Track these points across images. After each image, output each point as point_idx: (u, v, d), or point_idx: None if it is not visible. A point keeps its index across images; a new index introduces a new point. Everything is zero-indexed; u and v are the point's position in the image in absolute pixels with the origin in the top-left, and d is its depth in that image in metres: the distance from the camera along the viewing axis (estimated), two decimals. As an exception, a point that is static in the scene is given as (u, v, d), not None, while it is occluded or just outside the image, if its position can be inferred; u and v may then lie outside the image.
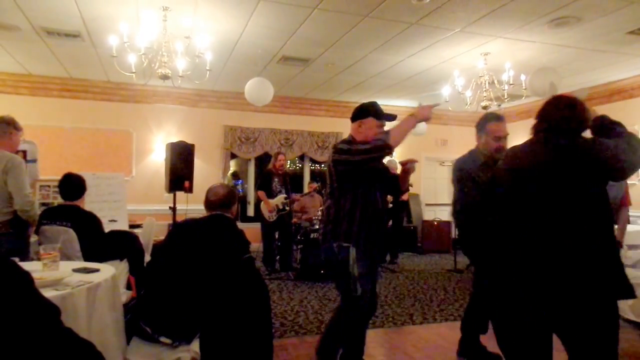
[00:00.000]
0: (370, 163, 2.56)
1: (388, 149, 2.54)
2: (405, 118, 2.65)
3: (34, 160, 4.36)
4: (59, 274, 2.16)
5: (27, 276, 1.19)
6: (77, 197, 3.37)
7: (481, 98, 5.98)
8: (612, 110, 7.71)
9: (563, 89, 7.10)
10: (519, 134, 10.31)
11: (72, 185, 3.36)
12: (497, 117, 2.81)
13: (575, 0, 4.27)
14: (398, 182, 2.88)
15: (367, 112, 2.70)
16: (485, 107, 5.99)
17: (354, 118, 2.75)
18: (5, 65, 6.58)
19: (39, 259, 2.59)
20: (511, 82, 5.62)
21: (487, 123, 2.79)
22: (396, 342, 3.44)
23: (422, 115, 2.62)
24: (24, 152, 4.12)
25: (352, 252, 2.54)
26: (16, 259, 1.62)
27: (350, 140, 2.69)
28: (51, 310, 1.19)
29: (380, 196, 2.71)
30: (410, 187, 7.25)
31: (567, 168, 1.76)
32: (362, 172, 2.59)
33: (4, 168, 3.02)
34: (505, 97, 5.85)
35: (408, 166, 2.76)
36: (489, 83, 5.90)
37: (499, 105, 6.14)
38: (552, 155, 1.80)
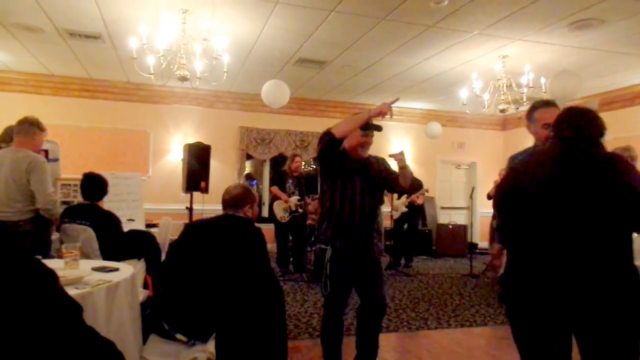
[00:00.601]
0: (322, 156, 2.65)
1: (327, 136, 2.57)
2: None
3: (56, 160, 4.45)
4: (80, 272, 2.20)
5: (52, 274, 1.22)
6: (99, 199, 3.44)
7: (499, 101, 5.92)
8: (635, 114, 7.56)
9: (583, 93, 6.97)
10: (537, 138, 9.83)
11: (95, 186, 3.43)
12: (546, 103, 2.54)
13: (598, 2, 4.21)
14: (394, 181, 2.80)
15: None
16: (502, 110, 5.93)
17: None
18: (28, 65, 6.75)
19: (59, 257, 2.65)
20: (531, 85, 5.55)
21: (534, 111, 2.53)
22: (410, 346, 3.42)
23: (378, 109, 2.55)
24: (46, 152, 4.21)
25: (328, 252, 2.67)
26: (39, 257, 1.66)
27: None
28: (74, 309, 1.21)
29: (362, 193, 2.70)
30: (426, 192, 7.23)
31: (580, 175, 1.75)
32: (328, 168, 2.73)
33: (27, 167, 3.09)
34: (524, 100, 5.77)
35: (396, 157, 2.70)
36: (507, 86, 5.83)
37: (517, 109, 6.06)
38: (566, 162, 1.80)
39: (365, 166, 2.77)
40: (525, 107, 6.65)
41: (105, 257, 3.14)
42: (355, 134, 2.67)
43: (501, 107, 5.87)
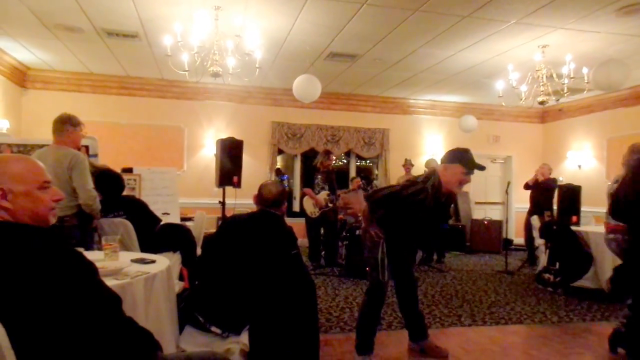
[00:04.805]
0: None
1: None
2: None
3: (95, 155, 4.61)
4: (119, 264, 2.28)
5: (92, 266, 1.27)
6: (118, 194, 3.62)
7: (538, 93, 5.71)
8: (687, 105, 7.09)
9: (632, 82, 6.64)
10: (579, 130, 9.77)
11: (114, 184, 3.61)
12: None
13: (647, -14, 3.99)
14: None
15: (456, 158, 2.79)
16: (542, 102, 5.72)
17: (442, 160, 2.89)
18: (70, 64, 7.03)
19: (99, 249, 2.75)
20: (572, 76, 5.32)
21: None
22: (443, 343, 3.37)
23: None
24: (87, 148, 4.36)
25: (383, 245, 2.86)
26: (81, 249, 1.73)
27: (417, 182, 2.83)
28: (115, 300, 1.26)
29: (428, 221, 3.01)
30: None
31: None
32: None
33: (68, 164, 3.20)
34: (565, 91, 5.54)
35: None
36: (546, 77, 5.62)
37: (557, 100, 5.83)
38: None
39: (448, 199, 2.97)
40: (566, 99, 6.43)
41: (143, 249, 3.25)
42: (457, 172, 2.76)
43: (540, 98, 5.66)
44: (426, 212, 2.82)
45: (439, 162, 7.13)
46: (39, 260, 1.13)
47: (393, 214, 2.87)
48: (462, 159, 2.77)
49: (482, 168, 2.80)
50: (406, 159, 7.88)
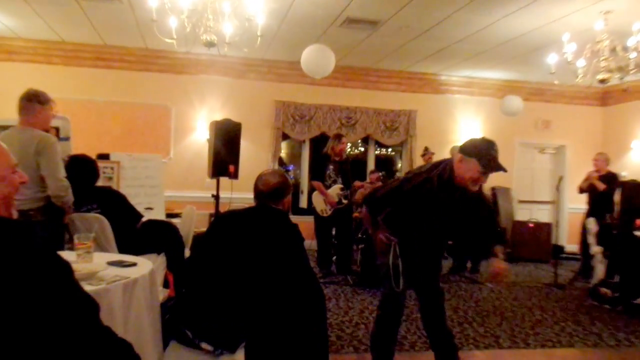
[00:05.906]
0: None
1: None
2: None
3: (67, 138, 4.68)
4: (93, 266, 2.32)
5: (67, 268, 1.30)
6: (92, 183, 3.68)
7: (598, 69, 5.64)
8: None
9: None
10: (648, 115, 9.35)
11: (87, 172, 3.68)
12: None
13: None
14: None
15: (474, 152, 2.68)
16: (603, 81, 5.65)
17: (460, 149, 2.79)
18: (37, 31, 7.10)
19: (69, 249, 2.80)
20: (641, 49, 5.25)
21: None
22: (477, 368, 3.39)
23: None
24: (57, 130, 4.42)
25: (396, 248, 2.90)
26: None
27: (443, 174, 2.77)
28: (91, 305, 1.29)
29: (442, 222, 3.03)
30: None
31: None
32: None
33: (35, 149, 3.22)
34: (632, 67, 5.47)
35: None
36: (609, 50, 5.54)
37: (622, 79, 5.76)
38: None
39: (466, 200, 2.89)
40: (632, 77, 6.33)
41: (122, 249, 3.30)
42: (473, 168, 2.66)
43: (601, 76, 5.59)
44: (437, 205, 2.80)
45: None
46: (11, 259, 1.16)
47: (400, 212, 2.89)
48: (481, 154, 2.65)
49: (502, 170, 2.69)
50: (426, 147, 7.83)
